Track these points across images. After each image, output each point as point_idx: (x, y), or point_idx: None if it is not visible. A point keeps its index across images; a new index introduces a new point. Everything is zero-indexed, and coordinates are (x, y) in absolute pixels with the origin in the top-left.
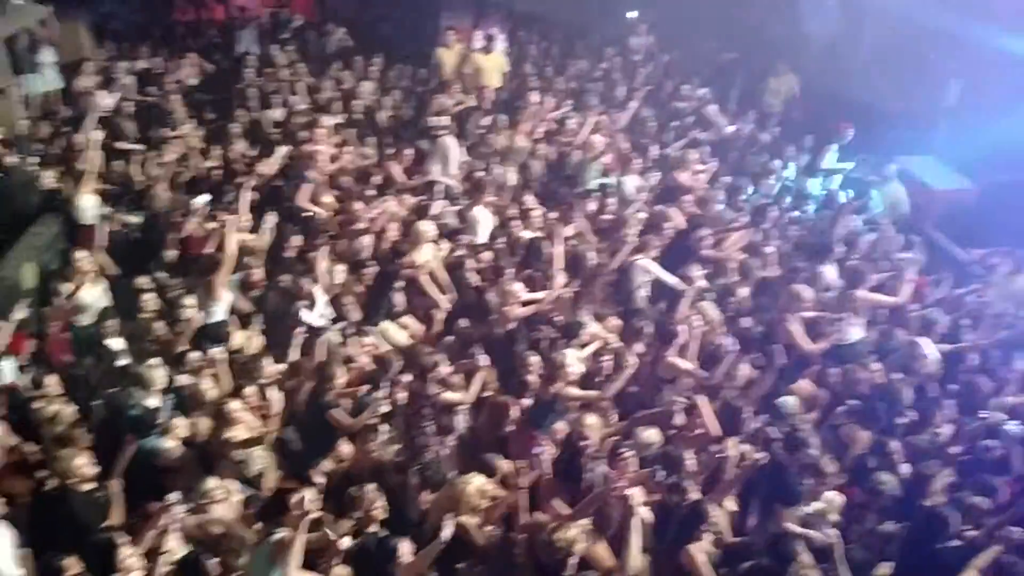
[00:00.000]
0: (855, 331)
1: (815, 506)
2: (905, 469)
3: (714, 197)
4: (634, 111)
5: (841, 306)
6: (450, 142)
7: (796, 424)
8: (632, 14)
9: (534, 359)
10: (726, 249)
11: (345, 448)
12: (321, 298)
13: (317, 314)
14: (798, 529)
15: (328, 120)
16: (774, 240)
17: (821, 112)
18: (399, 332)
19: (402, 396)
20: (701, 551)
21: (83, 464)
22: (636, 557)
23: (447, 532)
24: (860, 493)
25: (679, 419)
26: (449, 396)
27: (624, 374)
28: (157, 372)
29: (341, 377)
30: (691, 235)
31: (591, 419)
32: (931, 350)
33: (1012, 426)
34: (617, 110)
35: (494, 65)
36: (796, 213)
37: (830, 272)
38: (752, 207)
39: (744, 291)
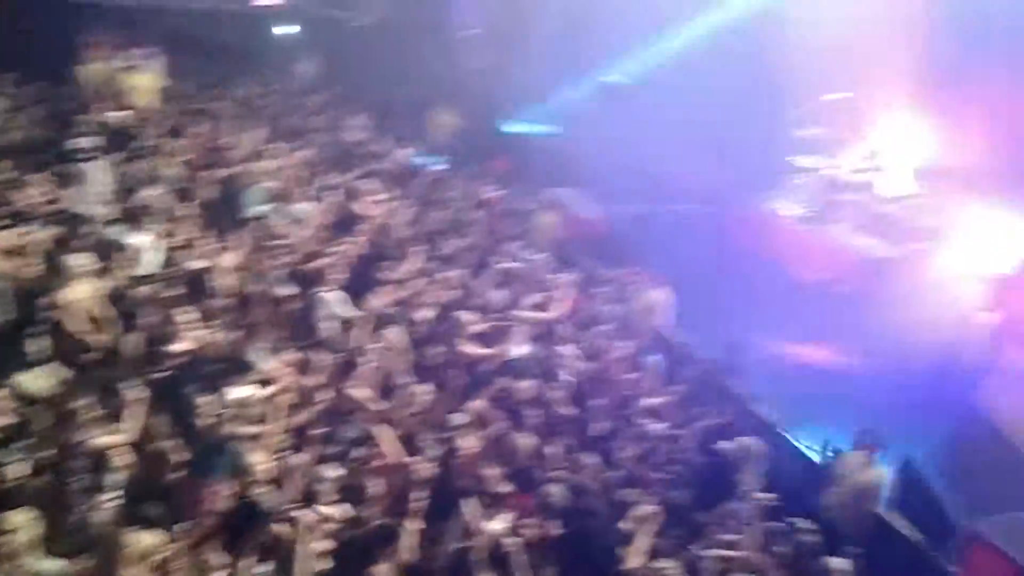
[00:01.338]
0: (519, 348)
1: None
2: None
3: (393, 225)
4: (304, 139)
5: (505, 325)
6: (94, 166)
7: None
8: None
9: (204, 399)
10: (406, 276)
11: None
12: None
13: None
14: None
15: None
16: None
17: (482, 146)
18: (39, 381)
19: (49, 451)
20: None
21: None
22: None
23: None
24: (531, 501)
25: (358, 451)
26: (104, 440)
27: (310, 410)
28: None
29: None
30: (372, 263)
31: (259, 454)
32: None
33: (655, 426)
34: (286, 138)
35: (145, 84)
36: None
37: (495, 294)
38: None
39: (424, 314)
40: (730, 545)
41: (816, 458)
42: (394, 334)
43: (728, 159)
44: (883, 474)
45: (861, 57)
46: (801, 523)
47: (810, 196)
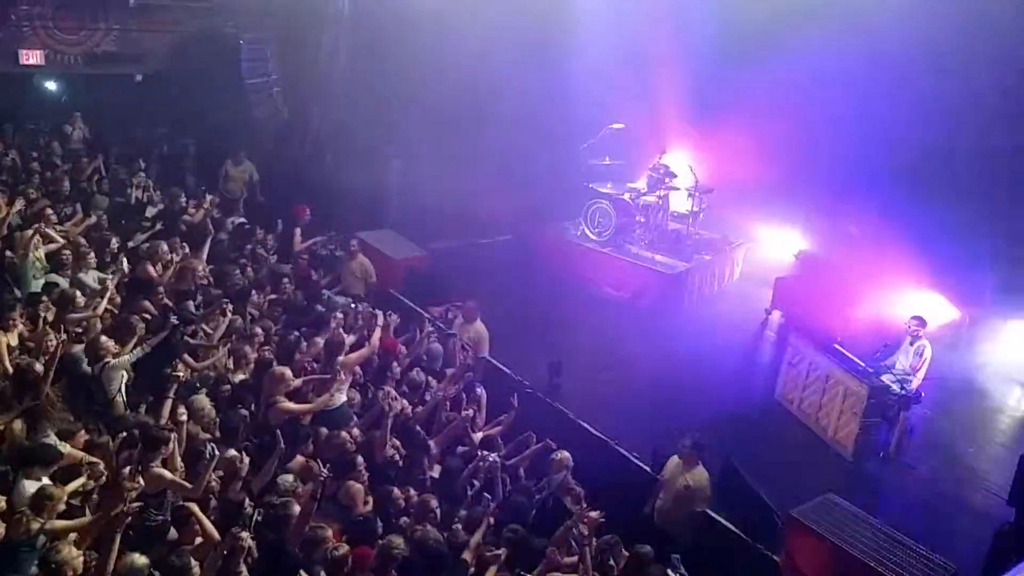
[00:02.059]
0: (339, 396)
1: None
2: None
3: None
4: (83, 202)
5: (324, 372)
6: None
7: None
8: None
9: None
10: (210, 337)
11: None
12: None
13: None
14: None
15: None
16: (260, 321)
17: (285, 196)
18: None
19: None
20: None
21: None
22: None
23: None
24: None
25: (172, 534)
26: None
27: (125, 504)
28: None
29: None
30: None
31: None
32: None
33: (492, 457)
34: (67, 200)
35: None
36: (273, 296)
37: (316, 343)
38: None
39: (240, 376)
40: (572, 568)
41: (646, 467)
42: (199, 402)
43: (527, 189)
44: (704, 476)
45: (639, 88)
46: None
47: (606, 219)
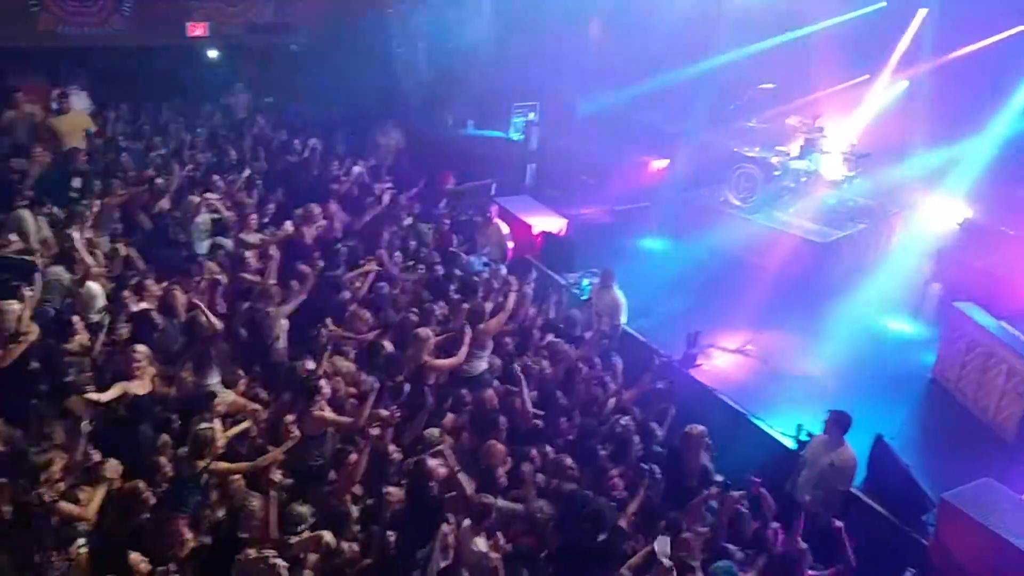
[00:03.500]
0: (480, 364)
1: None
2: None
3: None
4: (249, 168)
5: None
6: (26, 213)
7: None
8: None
9: (165, 438)
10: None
11: None
12: None
13: None
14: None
15: None
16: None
17: (426, 163)
18: None
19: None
20: None
21: None
22: None
23: None
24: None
25: (332, 474)
26: (66, 508)
27: (283, 447)
28: None
29: None
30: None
31: (255, 502)
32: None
33: (625, 421)
34: (229, 169)
35: (72, 126)
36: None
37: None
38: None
39: (388, 345)
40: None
41: (790, 443)
42: (342, 363)
43: (668, 153)
44: (851, 455)
45: (790, 45)
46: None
47: (752, 184)
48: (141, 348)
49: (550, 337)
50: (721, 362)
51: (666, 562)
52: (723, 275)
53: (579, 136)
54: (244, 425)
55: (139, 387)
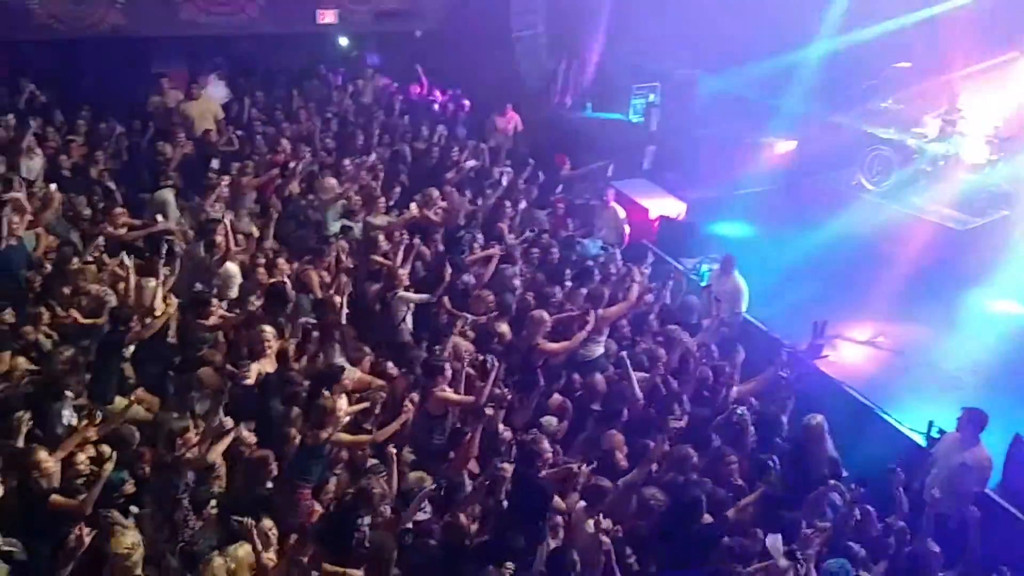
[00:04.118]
0: (597, 348)
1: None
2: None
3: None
4: (377, 153)
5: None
6: (169, 194)
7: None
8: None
9: (295, 410)
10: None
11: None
12: None
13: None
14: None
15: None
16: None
17: (542, 145)
18: (135, 407)
19: (148, 470)
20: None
21: None
22: None
23: None
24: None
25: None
26: (192, 457)
27: (398, 421)
28: None
29: (46, 461)
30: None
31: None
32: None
33: (741, 411)
34: (357, 153)
35: (201, 111)
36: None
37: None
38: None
39: (504, 327)
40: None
41: (920, 440)
42: (461, 341)
43: (794, 134)
44: (986, 454)
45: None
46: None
47: (886, 167)
48: (268, 328)
49: (663, 323)
50: (849, 354)
51: (782, 561)
52: (853, 262)
53: (700, 117)
54: (364, 405)
55: (268, 364)
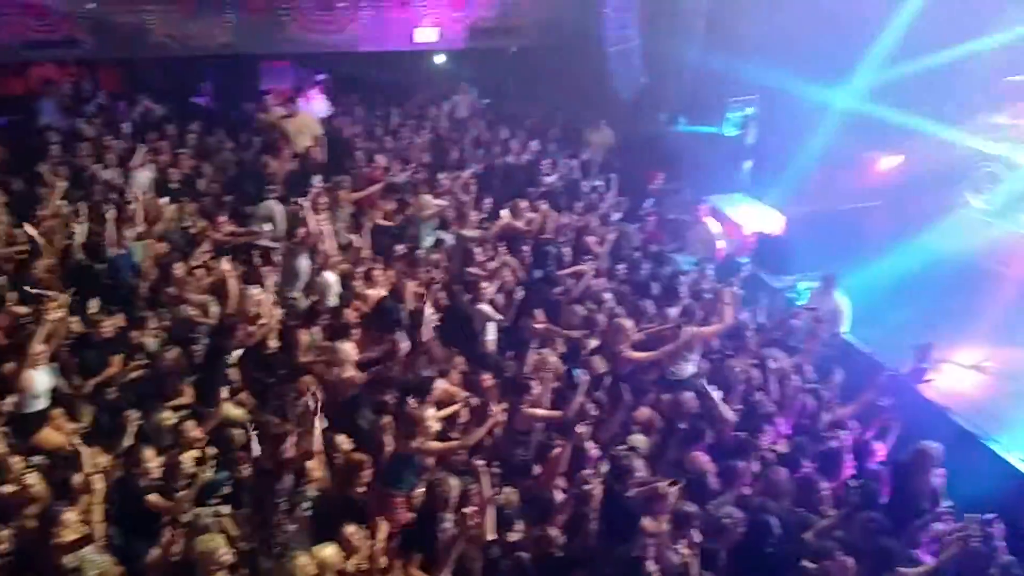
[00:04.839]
0: (689, 367)
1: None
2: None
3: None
4: (471, 168)
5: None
6: (275, 204)
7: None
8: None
9: (387, 419)
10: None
11: (169, 536)
12: None
13: None
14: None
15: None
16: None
17: (636, 161)
18: (237, 409)
19: (247, 472)
20: None
21: None
22: None
23: None
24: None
25: (536, 468)
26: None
27: (486, 426)
28: None
29: (151, 460)
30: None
31: (453, 480)
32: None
33: (838, 436)
34: (451, 168)
35: (299, 127)
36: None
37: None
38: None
39: (592, 342)
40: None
41: None
42: (550, 354)
43: (903, 148)
44: None
45: None
46: None
47: (997, 185)
48: (346, 346)
49: (760, 343)
50: (954, 378)
51: None
52: (960, 283)
53: (801, 130)
54: (456, 407)
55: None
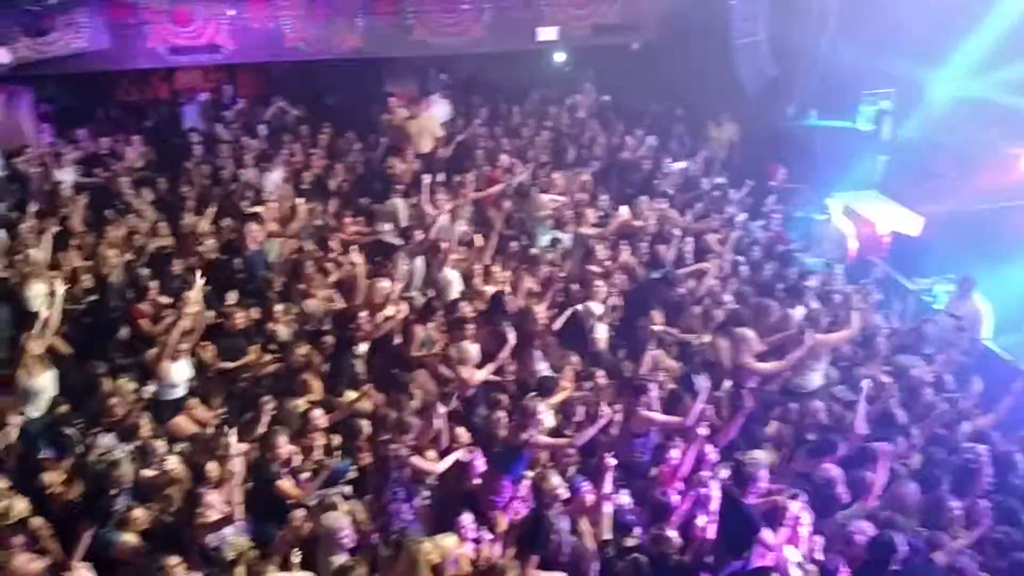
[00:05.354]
0: (815, 377)
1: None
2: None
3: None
4: (590, 166)
5: (795, 346)
6: (399, 202)
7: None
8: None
9: (501, 414)
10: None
11: (297, 517)
12: None
13: None
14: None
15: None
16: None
17: (760, 156)
18: (363, 401)
19: (369, 461)
20: None
21: (25, 561)
22: None
23: None
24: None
25: (654, 470)
26: (419, 462)
27: (597, 424)
28: (125, 467)
29: (283, 447)
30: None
31: (555, 479)
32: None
33: (976, 448)
34: (568, 167)
35: (420, 128)
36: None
37: (797, 311)
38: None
39: (707, 337)
40: None
41: None
42: (663, 355)
43: None
44: None
45: None
46: None
47: None
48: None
49: (893, 348)
50: None
51: None
52: None
53: (940, 124)
54: (565, 394)
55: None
